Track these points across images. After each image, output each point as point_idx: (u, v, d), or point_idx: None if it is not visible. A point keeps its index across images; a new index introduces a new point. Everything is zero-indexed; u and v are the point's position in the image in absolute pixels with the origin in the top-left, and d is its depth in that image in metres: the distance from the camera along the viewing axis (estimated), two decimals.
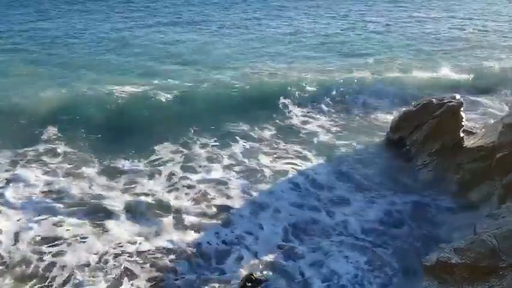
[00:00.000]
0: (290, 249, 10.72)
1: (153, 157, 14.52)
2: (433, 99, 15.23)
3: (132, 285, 9.59)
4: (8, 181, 12.92)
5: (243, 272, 9.92)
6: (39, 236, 10.79)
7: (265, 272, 9.99)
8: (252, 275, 9.73)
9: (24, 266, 9.82)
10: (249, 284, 9.53)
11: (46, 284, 9.44)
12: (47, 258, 10.07)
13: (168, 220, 11.62)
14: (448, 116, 14.28)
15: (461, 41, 29.53)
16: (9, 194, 12.27)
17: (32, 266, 9.88)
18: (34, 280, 9.51)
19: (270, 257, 10.45)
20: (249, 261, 10.34)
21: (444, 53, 26.76)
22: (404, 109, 16.42)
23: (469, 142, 13.87)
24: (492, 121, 15.86)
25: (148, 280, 9.78)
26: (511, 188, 11.18)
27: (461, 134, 14.08)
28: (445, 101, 14.69)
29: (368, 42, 28.90)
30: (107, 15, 34.42)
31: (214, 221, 11.71)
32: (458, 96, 15.05)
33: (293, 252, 10.65)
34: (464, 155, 13.42)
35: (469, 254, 8.08)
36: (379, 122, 17.91)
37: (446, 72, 22.51)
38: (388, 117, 17.52)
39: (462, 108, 14.46)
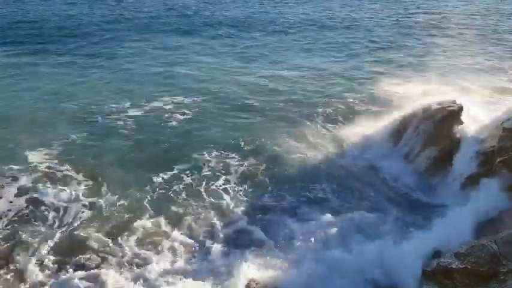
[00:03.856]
0: None
1: None
2: (433, 103, 15.26)
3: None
4: None
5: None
6: None
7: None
8: (253, 280, 9.71)
9: None
10: None
11: None
12: None
13: None
14: (448, 120, 14.30)
15: None
16: None
17: None
18: None
19: None
20: None
21: None
22: (404, 112, 16.46)
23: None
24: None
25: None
26: None
27: (461, 139, 14.06)
28: (445, 106, 14.72)
29: None
30: None
31: None
32: (458, 101, 15.08)
33: None
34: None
35: (469, 258, 8.07)
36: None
37: None
38: None
39: (462, 113, 14.48)
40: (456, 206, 11.34)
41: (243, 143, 16.12)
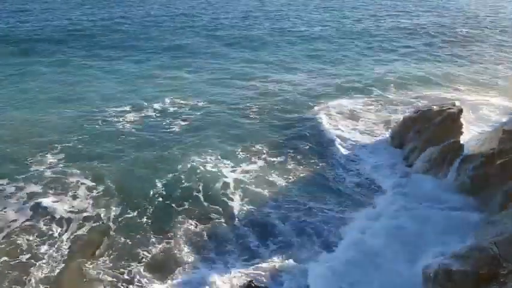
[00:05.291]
0: None
1: None
2: (433, 106, 15.32)
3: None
4: None
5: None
6: None
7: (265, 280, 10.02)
8: (252, 281, 9.78)
9: None
10: None
11: None
12: None
13: None
14: (448, 122, 14.33)
15: None
16: None
17: None
18: None
19: None
20: None
21: None
22: (404, 115, 16.51)
23: (469, 148, 13.87)
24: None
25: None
26: (511, 195, 11.15)
27: (461, 141, 14.08)
28: (445, 108, 14.77)
29: None
30: None
31: None
32: (457, 103, 15.14)
33: None
34: (464, 162, 13.40)
35: (469, 260, 8.07)
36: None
37: None
38: None
39: (462, 115, 14.51)
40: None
41: (241, 149, 16.19)
